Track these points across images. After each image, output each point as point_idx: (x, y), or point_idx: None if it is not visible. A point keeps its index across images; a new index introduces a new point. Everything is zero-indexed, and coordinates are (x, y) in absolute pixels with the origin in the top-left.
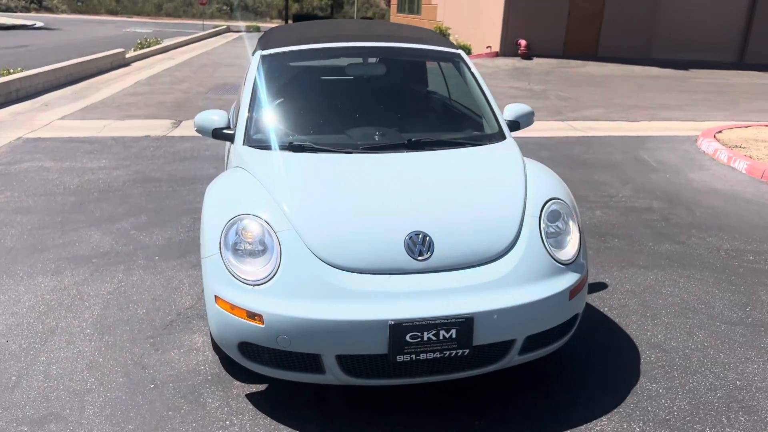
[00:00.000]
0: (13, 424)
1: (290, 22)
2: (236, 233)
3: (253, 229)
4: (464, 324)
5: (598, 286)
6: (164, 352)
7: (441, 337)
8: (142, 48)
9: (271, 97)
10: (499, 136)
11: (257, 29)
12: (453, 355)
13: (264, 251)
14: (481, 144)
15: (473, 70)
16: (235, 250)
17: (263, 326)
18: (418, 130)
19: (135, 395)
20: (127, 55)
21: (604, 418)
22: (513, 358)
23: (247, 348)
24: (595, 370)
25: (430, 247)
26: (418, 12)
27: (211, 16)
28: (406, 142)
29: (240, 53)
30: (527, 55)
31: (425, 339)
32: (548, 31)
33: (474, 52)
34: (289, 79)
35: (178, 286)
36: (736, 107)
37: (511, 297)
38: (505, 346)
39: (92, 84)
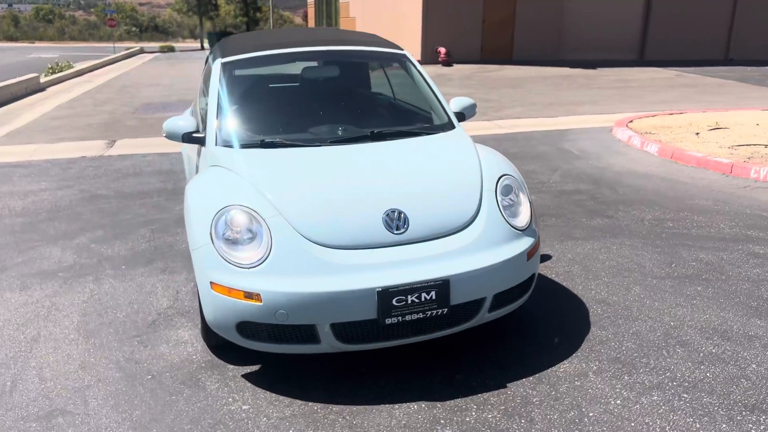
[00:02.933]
0: (20, 422)
1: (205, 40)
2: (225, 223)
3: (240, 218)
4: (442, 286)
5: (544, 258)
6: (153, 347)
7: (423, 299)
8: (54, 72)
9: (236, 101)
10: (449, 126)
11: (172, 49)
12: (434, 314)
13: (253, 238)
14: (435, 132)
15: (419, 67)
16: (226, 239)
17: (261, 304)
18: (376, 124)
19: (135, 386)
20: (42, 80)
21: (565, 361)
22: (484, 316)
23: (245, 327)
24: (553, 325)
25: (405, 221)
26: (336, 25)
27: (120, 38)
28: (369, 133)
29: (160, 73)
30: (447, 62)
31: (409, 302)
32: (466, 38)
33: None
34: (251, 84)
35: (152, 290)
36: (641, 99)
37: (479, 260)
38: (477, 305)
39: (10, 110)
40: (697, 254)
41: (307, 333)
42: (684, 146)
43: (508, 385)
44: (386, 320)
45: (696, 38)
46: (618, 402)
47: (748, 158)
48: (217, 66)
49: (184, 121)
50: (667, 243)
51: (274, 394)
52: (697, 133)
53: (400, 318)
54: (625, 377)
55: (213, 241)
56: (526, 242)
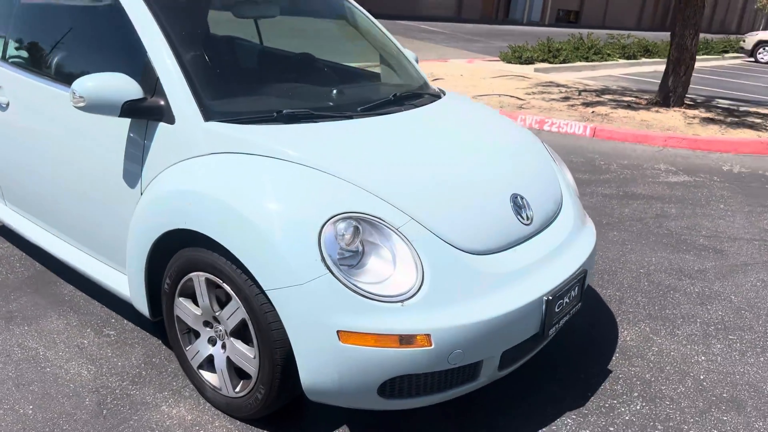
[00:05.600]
0: None
1: None
2: (335, 241)
3: (350, 230)
4: (582, 277)
5: None
6: None
7: (571, 297)
8: None
9: (197, 49)
10: (428, 87)
11: None
12: (574, 312)
13: (368, 255)
14: (443, 96)
15: (370, 17)
16: (346, 265)
17: (432, 348)
18: (378, 87)
19: None
20: None
21: None
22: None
23: (396, 383)
24: None
25: (529, 208)
26: None
27: None
28: (392, 98)
29: None
30: None
31: (564, 303)
32: None
33: None
34: (201, 31)
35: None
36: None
37: (586, 242)
38: (583, 290)
39: None
40: None
41: (471, 370)
42: None
43: None
44: (549, 331)
45: None
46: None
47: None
48: None
49: (122, 81)
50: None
51: None
52: None
53: (557, 326)
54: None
55: (331, 270)
56: (588, 220)
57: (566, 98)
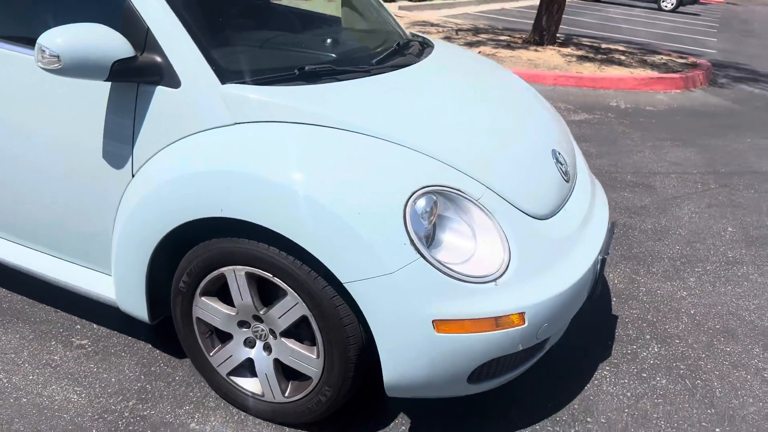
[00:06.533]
0: None
1: None
2: (419, 219)
3: (430, 207)
4: (613, 233)
5: None
6: None
7: (605, 255)
8: None
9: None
10: (414, 34)
11: None
12: (599, 268)
13: (443, 231)
14: (434, 45)
15: None
16: (433, 246)
17: (525, 325)
18: (374, 38)
19: None
20: None
21: None
22: None
23: (483, 368)
24: None
25: (565, 163)
26: None
27: None
28: (395, 47)
29: None
30: None
31: (602, 262)
32: None
33: None
34: None
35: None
36: None
37: (601, 192)
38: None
39: None
40: None
41: (543, 342)
42: None
43: None
44: (594, 293)
45: None
46: None
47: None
48: None
49: (107, 37)
50: None
51: None
52: None
53: (599, 285)
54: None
55: (422, 253)
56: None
57: (448, 38)
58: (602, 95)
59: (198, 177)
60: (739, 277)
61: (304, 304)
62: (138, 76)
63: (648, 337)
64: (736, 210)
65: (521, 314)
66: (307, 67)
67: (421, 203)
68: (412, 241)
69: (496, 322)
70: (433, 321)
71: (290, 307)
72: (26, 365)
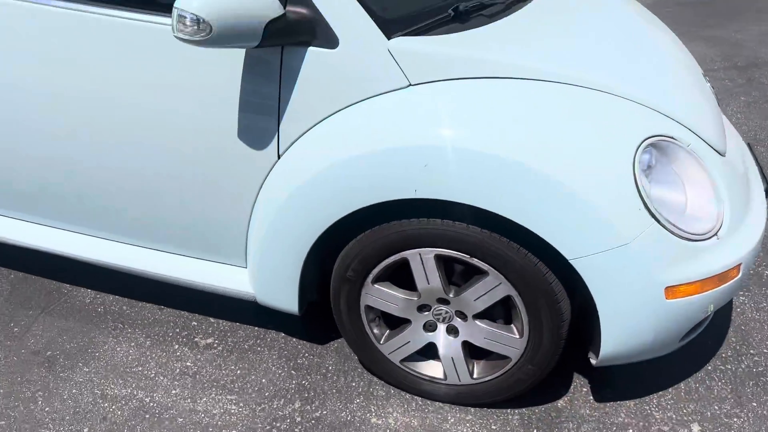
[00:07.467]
0: None
1: None
2: (645, 178)
3: (650, 161)
4: (756, 156)
5: None
6: None
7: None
8: None
9: None
10: None
11: None
12: None
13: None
14: None
15: None
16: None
17: (739, 276)
18: None
19: None
20: None
21: None
22: None
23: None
24: None
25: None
26: None
27: None
28: None
29: None
30: None
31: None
32: None
33: None
34: None
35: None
36: None
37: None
38: None
39: None
40: None
41: None
42: None
43: None
44: None
45: None
46: None
47: None
48: None
49: None
50: None
51: None
52: None
53: None
54: None
55: (656, 217)
56: None
57: None
58: None
59: (382, 155)
60: None
61: (509, 283)
62: (288, 36)
63: None
64: None
65: (738, 266)
66: (461, 6)
67: (644, 158)
68: (646, 205)
69: (719, 277)
70: (665, 288)
71: (491, 288)
72: (161, 378)
